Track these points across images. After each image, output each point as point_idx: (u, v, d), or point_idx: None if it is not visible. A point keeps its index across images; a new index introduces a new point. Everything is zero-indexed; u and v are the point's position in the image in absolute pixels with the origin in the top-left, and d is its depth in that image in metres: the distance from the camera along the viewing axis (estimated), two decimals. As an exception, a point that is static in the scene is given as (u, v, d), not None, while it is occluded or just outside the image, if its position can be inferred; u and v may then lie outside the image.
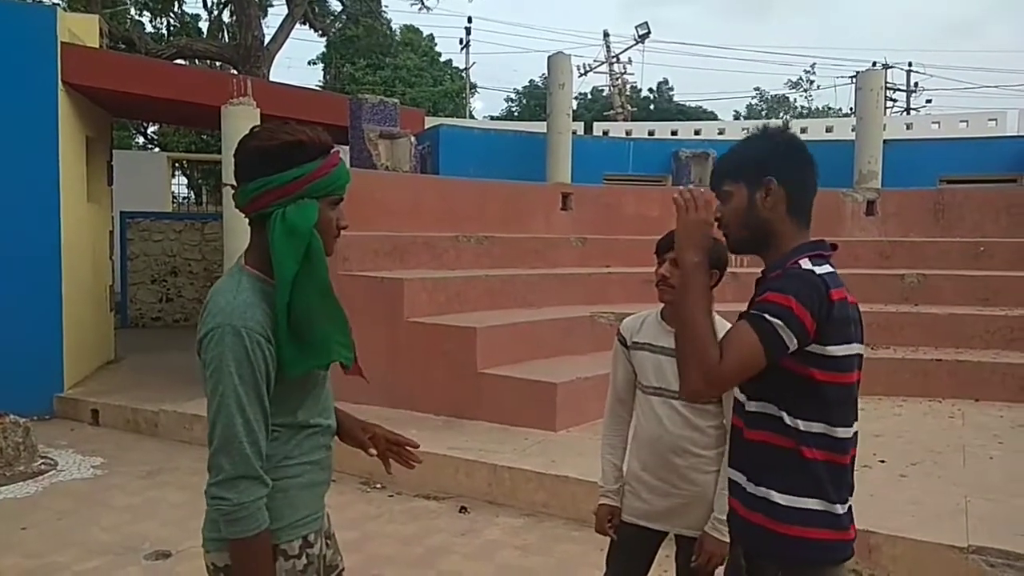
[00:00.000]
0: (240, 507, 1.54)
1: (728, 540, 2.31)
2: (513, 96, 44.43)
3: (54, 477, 5.34)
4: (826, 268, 1.65)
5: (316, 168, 1.61)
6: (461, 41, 33.86)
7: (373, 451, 1.93)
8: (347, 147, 8.80)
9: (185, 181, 23.03)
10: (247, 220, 1.67)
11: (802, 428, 1.64)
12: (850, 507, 1.72)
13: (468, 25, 33.47)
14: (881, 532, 3.71)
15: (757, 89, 49.11)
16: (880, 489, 4.40)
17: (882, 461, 4.98)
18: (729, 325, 2.33)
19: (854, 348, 1.65)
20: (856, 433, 1.71)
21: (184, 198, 22.55)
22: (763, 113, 44.83)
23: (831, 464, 1.65)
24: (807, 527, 1.65)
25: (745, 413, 1.74)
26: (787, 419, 1.65)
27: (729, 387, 1.70)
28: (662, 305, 2.47)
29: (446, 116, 23.38)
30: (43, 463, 5.56)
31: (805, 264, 1.65)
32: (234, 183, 1.67)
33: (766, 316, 1.57)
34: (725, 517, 2.30)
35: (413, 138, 8.76)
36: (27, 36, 7.09)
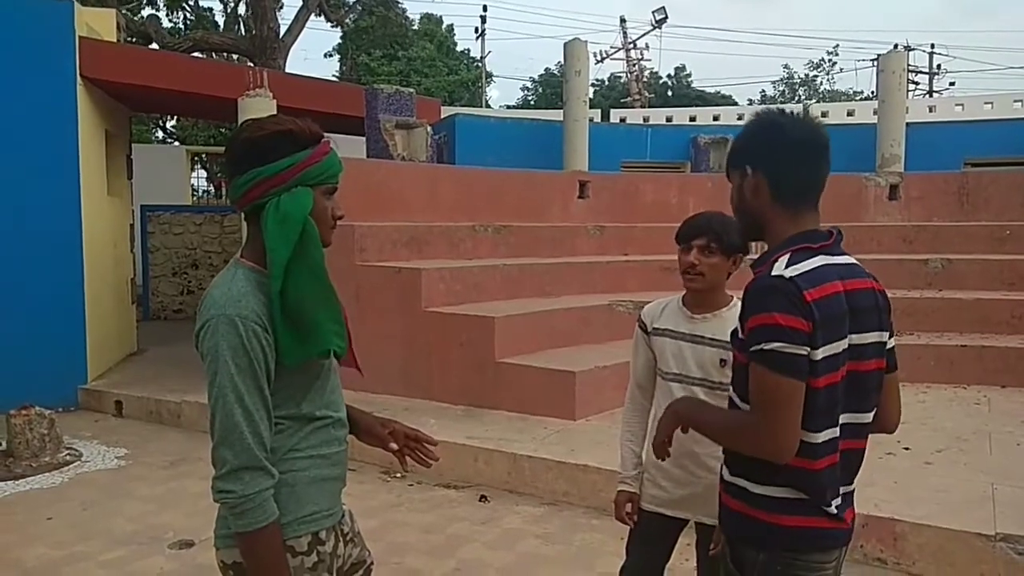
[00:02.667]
0: (246, 499, 1.52)
1: None
2: (529, 84, 44.33)
3: (79, 468, 5.41)
4: (805, 266, 1.56)
5: (307, 156, 1.61)
6: (476, 30, 33.79)
7: (394, 445, 1.91)
8: (363, 137, 8.81)
9: (204, 175, 23.19)
10: (242, 215, 1.66)
11: None
12: (843, 495, 1.66)
13: (483, 14, 33.39)
14: (906, 520, 3.66)
15: (785, 67, 48.55)
16: (905, 477, 4.35)
17: (907, 448, 4.92)
18: None
19: (843, 344, 1.57)
20: (835, 439, 1.61)
21: (203, 191, 22.71)
22: (781, 98, 44.35)
23: (802, 471, 1.58)
24: (782, 514, 1.61)
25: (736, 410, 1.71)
26: None
27: (796, 438, 1.53)
28: (684, 291, 2.44)
29: (462, 105, 23.35)
30: (68, 454, 5.63)
31: (778, 267, 1.57)
32: (226, 177, 1.66)
33: (764, 347, 1.51)
34: None
35: (429, 128, 8.74)
36: (46, 31, 7.13)
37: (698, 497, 2.36)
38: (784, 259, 1.58)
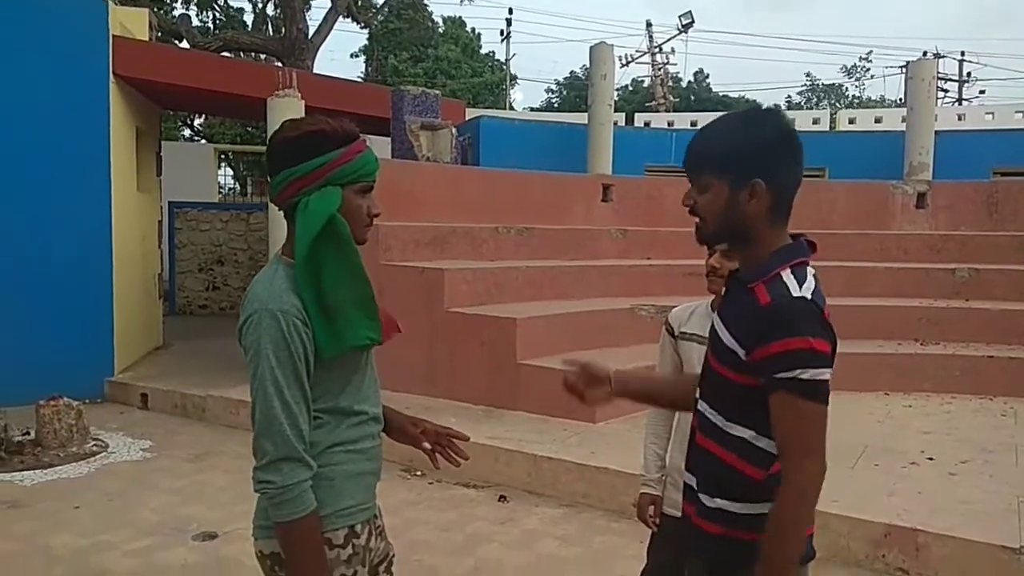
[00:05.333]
0: (285, 489, 1.55)
1: None
2: (553, 87, 44.28)
3: (105, 459, 5.49)
4: (811, 283, 1.50)
5: (339, 156, 1.62)
6: (502, 32, 33.84)
7: (427, 445, 1.94)
8: (389, 138, 8.86)
9: (231, 172, 23.44)
10: (282, 213, 1.70)
11: (770, 451, 1.54)
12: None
13: (509, 16, 33.43)
14: (930, 531, 3.62)
15: (808, 75, 48.15)
16: (928, 487, 4.30)
17: (930, 459, 4.87)
18: None
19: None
20: None
21: (230, 189, 22.96)
22: (808, 104, 43.98)
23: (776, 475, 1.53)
24: (745, 530, 1.56)
25: (721, 433, 1.59)
26: (763, 444, 1.54)
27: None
28: (712, 296, 2.44)
29: (486, 108, 23.40)
30: (95, 445, 5.73)
31: (791, 285, 1.48)
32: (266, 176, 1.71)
33: (801, 376, 1.43)
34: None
35: (454, 129, 8.78)
36: (80, 29, 7.26)
37: None
38: (788, 274, 1.50)
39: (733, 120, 1.58)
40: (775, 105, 1.61)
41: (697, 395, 1.67)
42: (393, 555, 1.92)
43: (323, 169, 1.61)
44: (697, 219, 1.60)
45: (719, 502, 1.59)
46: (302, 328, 1.58)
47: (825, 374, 1.45)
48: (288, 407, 1.56)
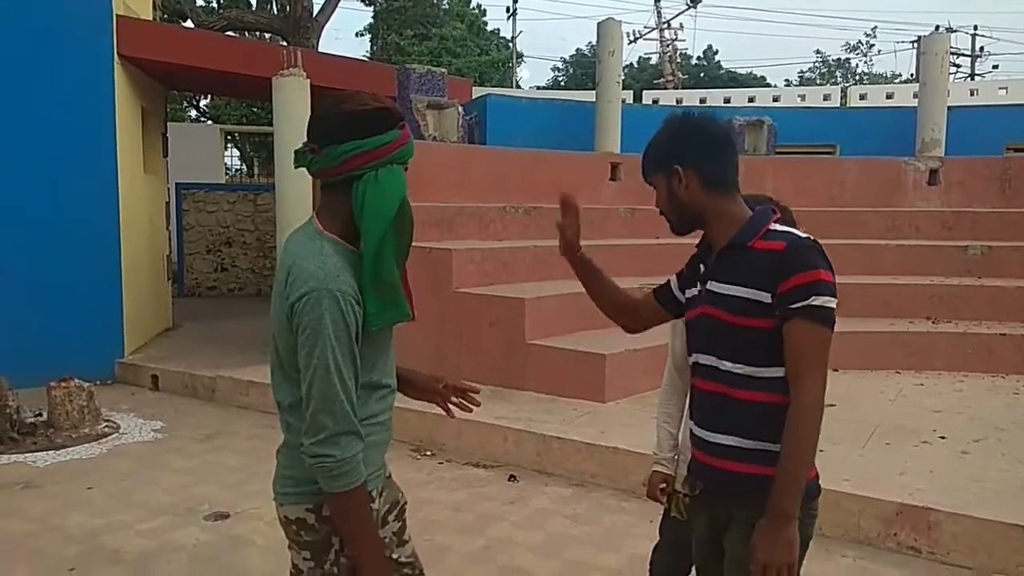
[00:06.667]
0: (344, 462, 1.62)
1: None
2: (560, 65, 43.97)
3: (116, 440, 5.53)
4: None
5: (400, 136, 1.69)
6: (508, 9, 33.53)
7: (454, 399, 2.06)
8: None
9: (237, 153, 23.40)
10: (321, 184, 1.73)
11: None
12: None
13: (515, -7, 33.08)
14: (941, 509, 3.61)
15: (817, 52, 47.63)
16: (940, 465, 4.28)
17: (942, 437, 4.84)
18: None
19: None
20: None
21: (236, 170, 22.93)
22: (819, 79, 43.52)
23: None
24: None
25: (755, 381, 1.74)
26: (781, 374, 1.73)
27: None
28: None
29: (492, 86, 23.22)
30: (106, 426, 5.76)
31: (794, 232, 1.75)
32: (313, 145, 1.69)
33: (814, 303, 1.65)
34: None
35: (461, 108, 8.71)
36: (84, 9, 7.21)
37: None
38: (778, 226, 1.76)
39: (658, 130, 1.89)
40: (687, 110, 1.95)
41: (709, 361, 1.80)
42: (405, 502, 1.99)
43: (390, 146, 1.67)
44: (665, 217, 1.88)
45: (761, 444, 1.74)
46: (357, 308, 1.64)
47: (833, 302, 1.68)
48: (345, 384, 1.62)
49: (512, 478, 4.70)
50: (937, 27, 28.34)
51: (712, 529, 1.91)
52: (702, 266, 1.87)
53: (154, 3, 9.56)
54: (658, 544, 2.57)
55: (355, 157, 1.65)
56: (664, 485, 2.49)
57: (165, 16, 15.51)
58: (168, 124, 9.98)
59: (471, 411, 2.08)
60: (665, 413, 2.56)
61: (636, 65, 39.88)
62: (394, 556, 1.90)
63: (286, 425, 1.75)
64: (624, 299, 2.14)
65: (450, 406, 2.07)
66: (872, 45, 44.83)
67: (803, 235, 1.73)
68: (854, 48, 43.80)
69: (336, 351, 1.60)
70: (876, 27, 49.09)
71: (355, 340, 1.64)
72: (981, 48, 34.33)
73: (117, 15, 7.36)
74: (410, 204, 1.72)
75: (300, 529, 1.73)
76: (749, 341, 1.73)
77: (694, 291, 1.89)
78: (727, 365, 1.76)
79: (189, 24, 16.89)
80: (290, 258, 1.68)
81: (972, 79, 32.24)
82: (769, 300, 1.69)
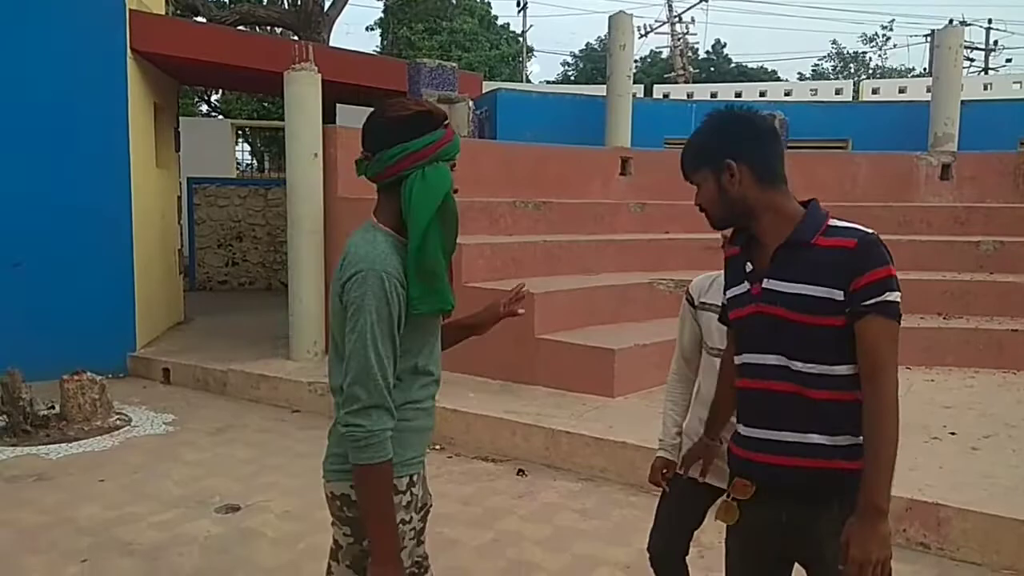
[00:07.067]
0: (372, 434, 1.70)
1: None
2: (570, 60, 43.84)
3: (128, 432, 5.57)
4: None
5: (443, 135, 1.83)
6: (518, 3, 33.45)
7: (522, 310, 2.21)
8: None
9: (248, 148, 23.47)
10: (377, 186, 1.87)
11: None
12: None
13: (526, -13, 32.98)
14: (951, 505, 3.61)
15: (834, 43, 47.26)
16: (950, 461, 4.27)
17: (952, 433, 4.83)
18: None
19: None
20: None
21: (247, 164, 23.00)
22: (833, 73, 43.22)
23: None
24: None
25: (829, 379, 1.72)
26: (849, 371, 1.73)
27: None
28: None
29: (502, 80, 23.20)
30: (118, 419, 5.81)
31: (856, 226, 1.73)
32: (368, 152, 1.85)
33: (887, 299, 1.66)
34: None
35: (471, 102, 8.71)
36: (97, 4, 7.24)
37: None
38: (838, 221, 1.74)
39: (700, 125, 1.85)
40: (729, 104, 1.90)
41: (777, 361, 1.76)
42: (431, 505, 2.06)
43: (434, 145, 1.80)
44: (705, 214, 1.85)
45: (843, 439, 1.74)
46: (400, 291, 1.75)
47: (899, 296, 1.68)
48: (380, 359, 1.72)
49: (521, 472, 4.72)
50: (951, 21, 28.14)
51: (763, 531, 1.84)
52: (748, 264, 1.82)
53: (166, -2, 9.59)
54: (653, 526, 2.59)
55: (404, 158, 1.79)
56: (666, 471, 2.53)
57: (177, 11, 15.56)
58: (180, 118, 10.03)
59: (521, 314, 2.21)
60: (671, 401, 2.59)
61: (648, 59, 39.72)
62: (416, 552, 1.94)
63: (337, 406, 1.84)
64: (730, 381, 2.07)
65: (513, 308, 2.20)
66: (888, 38, 44.47)
67: (868, 230, 1.71)
68: (871, 40, 43.51)
69: (375, 327, 1.71)
70: (893, 20, 48.46)
71: (397, 321, 1.74)
72: (995, 42, 34.06)
73: (130, 10, 7.39)
74: (454, 199, 1.83)
75: (344, 505, 1.83)
76: (819, 339, 1.71)
77: (738, 290, 1.85)
78: (798, 365, 1.73)
79: (201, 19, 16.92)
80: (348, 247, 1.82)
81: (986, 73, 31.96)
82: (841, 297, 1.67)
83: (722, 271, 2.48)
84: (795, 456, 1.75)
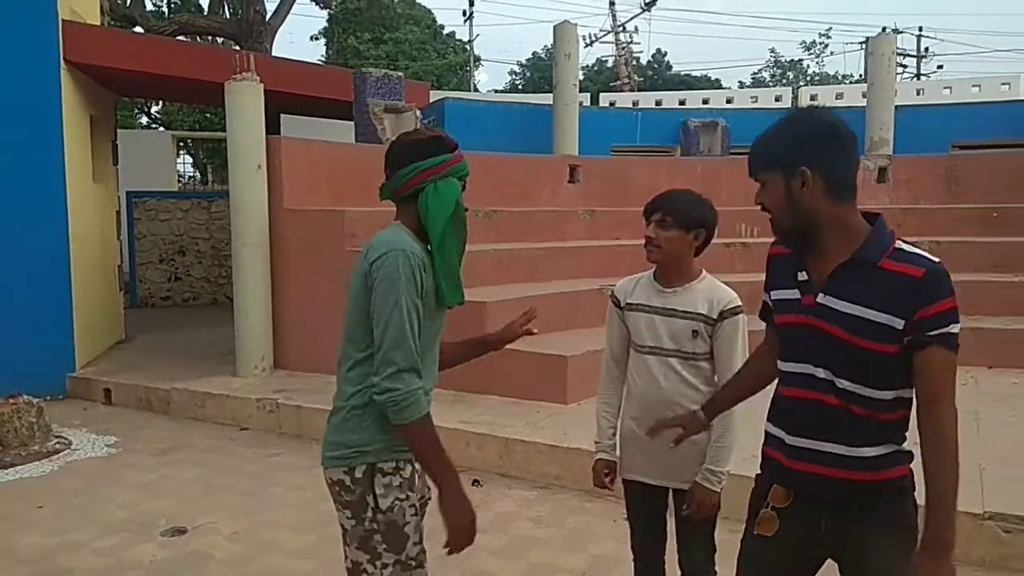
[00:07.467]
0: (408, 394, 1.88)
1: (718, 490, 2.37)
2: (517, 69, 44.08)
3: (68, 456, 5.38)
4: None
5: (452, 157, 2.07)
6: (464, 13, 33.52)
7: (535, 329, 2.38)
8: (352, 122, 8.73)
9: (190, 160, 22.98)
10: (397, 201, 2.09)
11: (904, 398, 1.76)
12: None
13: (471, -3, 33.07)
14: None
15: (772, 51, 48.49)
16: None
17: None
18: (742, 313, 2.39)
19: None
20: None
21: (190, 177, 22.52)
22: (772, 80, 44.31)
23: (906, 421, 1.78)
24: (902, 465, 1.77)
25: (871, 401, 1.72)
26: (897, 395, 1.73)
27: None
28: (654, 267, 2.52)
29: (450, 90, 23.19)
30: (57, 442, 5.60)
31: (922, 253, 1.69)
32: (388, 172, 2.09)
33: (951, 331, 1.65)
34: (717, 468, 2.36)
35: (418, 112, 8.68)
36: (28, 13, 7.01)
37: (674, 464, 2.43)
38: (903, 244, 1.70)
39: (779, 122, 1.76)
40: (814, 103, 1.77)
41: (824, 375, 1.73)
42: (429, 498, 2.17)
43: (445, 164, 2.04)
44: (768, 215, 1.79)
45: (891, 447, 1.74)
46: (424, 273, 1.95)
47: (959, 328, 1.67)
48: (413, 329, 1.91)
49: (476, 482, 4.69)
50: (884, 28, 29.11)
51: (803, 540, 1.82)
52: (803, 273, 1.77)
53: (102, 8, 9.34)
54: (632, 535, 2.61)
55: (417, 174, 2.03)
56: (608, 472, 2.58)
57: (114, 22, 15.17)
58: (118, 131, 9.76)
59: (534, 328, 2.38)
60: (604, 403, 2.64)
61: (595, 67, 40.16)
62: (420, 528, 2.09)
63: (338, 391, 2.03)
64: (759, 370, 2.07)
65: (529, 328, 2.38)
66: (826, 45, 45.85)
67: (935, 259, 1.67)
68: (809, 47, 44.78)
69: (408, 299, 1.89)
70: (831, 28, 50.16)
71: (419, 297, 1.92)
72: (926, 49, 35.38)
73: (63, 20, 7.18)
74: (463, 207, 2.06)
75: (341, 490, 1.99)
76: (870, 363, 1.67)
77: (786, 294, 1.80)
78: (844, 383, 1.70)
79: (139, 29, 16.54)
80: (372, 239, 2.01)
81: (918, 79, 33.16)
82: (900, 326, 1.63)
83: (643, 274, 2.55)
84: (843, 468, 1.73)
